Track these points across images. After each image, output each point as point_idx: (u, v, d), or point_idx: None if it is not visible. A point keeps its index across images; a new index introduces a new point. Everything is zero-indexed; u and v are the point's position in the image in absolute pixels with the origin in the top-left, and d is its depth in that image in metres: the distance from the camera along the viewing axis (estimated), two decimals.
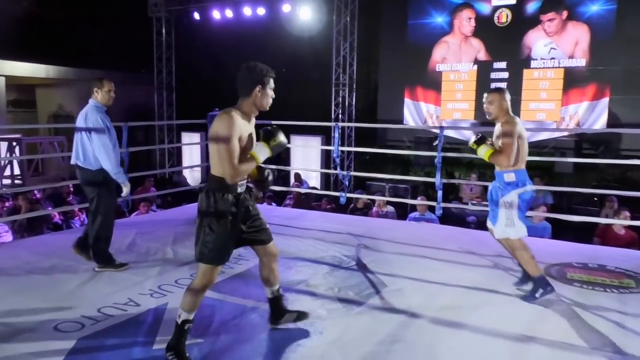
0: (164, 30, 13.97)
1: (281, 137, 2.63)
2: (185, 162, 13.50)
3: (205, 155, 9.71)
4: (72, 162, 3.88)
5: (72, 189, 8.52)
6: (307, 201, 8.75)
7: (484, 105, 3.41)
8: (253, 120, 2.65)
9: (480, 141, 3.42)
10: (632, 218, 5.50)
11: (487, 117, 3.44)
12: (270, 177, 2.75)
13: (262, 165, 2.68)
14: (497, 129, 3.39)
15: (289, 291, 3.38)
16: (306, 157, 11.51)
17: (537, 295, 3.31)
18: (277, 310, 2.91)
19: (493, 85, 10.94)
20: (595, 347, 2.74)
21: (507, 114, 3.37)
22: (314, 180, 11.44)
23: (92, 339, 2.80)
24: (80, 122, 3.81)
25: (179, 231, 5.09)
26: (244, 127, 2.51)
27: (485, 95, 3.42)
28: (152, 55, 14.06)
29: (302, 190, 8.20)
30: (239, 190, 2.57)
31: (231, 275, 3.85)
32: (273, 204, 8.13)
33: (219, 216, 2.49)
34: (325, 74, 12.33)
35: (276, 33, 13.15)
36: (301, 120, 6.85)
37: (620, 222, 5.48)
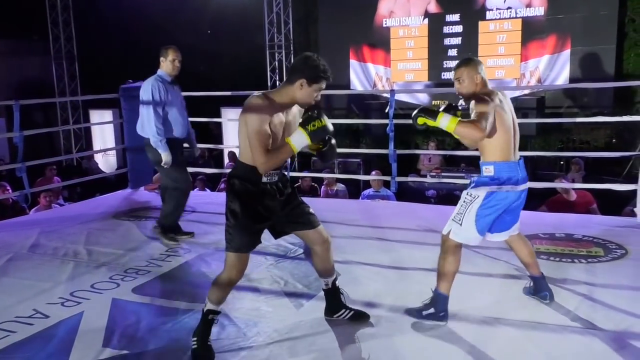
0: None
1: (323, 121, 2.61)
2: (97, 145, 13.03)
3: (120, 136, 9.39)
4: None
5: None
6: None
7: (455, 87, 3.00)
8: (293, 107, 2.75)
9: (447, 110, 2.85)
10: (594, 180, 5.89)
11: (462, 102, 3.01)
12: (333, 142, 2.72)
13: (319, 127, 2.60)
14: (471, 107, 2.90)
15: None
16: None
17: (425, 313, 3.00)
18: (333, 303, 3.03)
19: (447, 41, 11.16)
20: (563, 324, 2.91)
21: (484, 87, 2.96)
22: None
23: None
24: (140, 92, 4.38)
25: (93, 227, 4.94)
26: (275, 111, 2.65)
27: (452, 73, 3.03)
28: (45, 19, 13.33)
29: None
30: (265, 180, 2.70)
31: (159, 275, 3.80)
32: (206, 189, 8.02)
33: (241, 201, 2.67)
34: (258, 36, 12.15)
35: None
36: (232, 89, 6.74)
37: (568, 186, 5.87)
